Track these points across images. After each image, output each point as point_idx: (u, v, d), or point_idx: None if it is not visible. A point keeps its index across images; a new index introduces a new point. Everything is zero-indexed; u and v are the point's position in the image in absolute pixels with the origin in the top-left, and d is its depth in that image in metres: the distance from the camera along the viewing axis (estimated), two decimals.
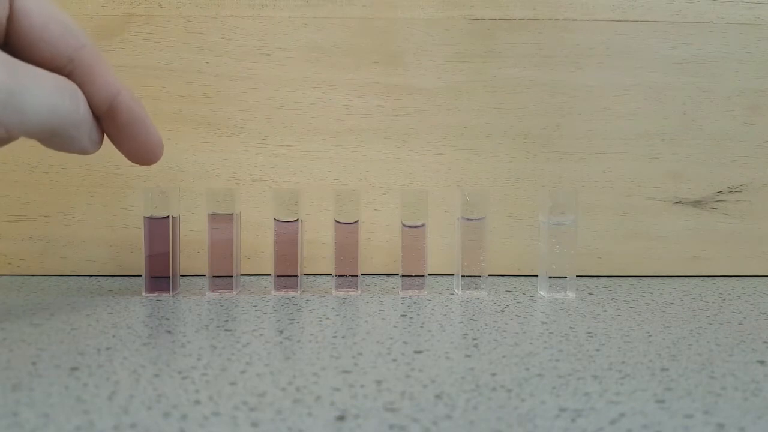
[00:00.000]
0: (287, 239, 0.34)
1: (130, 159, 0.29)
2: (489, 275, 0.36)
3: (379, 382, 0.20)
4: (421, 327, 0.28)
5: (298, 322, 0.28)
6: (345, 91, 0.40)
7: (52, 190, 0.39)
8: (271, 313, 0.30)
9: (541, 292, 0.35)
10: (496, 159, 0.40)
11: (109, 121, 0.27)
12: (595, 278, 0.40)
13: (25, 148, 0.38)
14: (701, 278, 0.41)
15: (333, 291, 0.35)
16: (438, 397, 0.19)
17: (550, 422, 0.17)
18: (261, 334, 0.26)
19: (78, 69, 0.26)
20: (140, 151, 0.28)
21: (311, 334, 0.26)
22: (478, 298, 0.34)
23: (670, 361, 0.23)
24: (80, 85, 0.25)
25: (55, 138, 0.25)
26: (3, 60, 0.23)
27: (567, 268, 0.34)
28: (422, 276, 0.34)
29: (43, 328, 0.27)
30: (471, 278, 0.34)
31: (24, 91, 0.23)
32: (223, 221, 0.34)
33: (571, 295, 0.34)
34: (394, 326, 0.28)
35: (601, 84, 0.40)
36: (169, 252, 0.33)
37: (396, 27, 0.40)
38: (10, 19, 0.24)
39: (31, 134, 0.24)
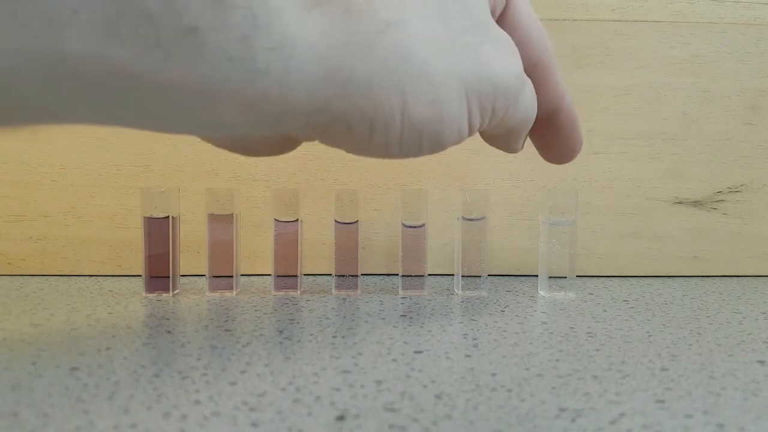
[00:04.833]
0: (287, 239, 0.34)
1: (548, 158, 0.28)
2: (489, 275, 0.36)
3: (379, 382, 0.20)
4: (421, 327, 0.28)
5: (298, 322, 0.28)
6: None
7: (52, 190, 0.39)
8: (271, 313, 0.30)
9: (541, 292, 0.35)
10: (496, 159, 0.40)
11: (548, 123, 0.27)
12: (595, 278, 0.40)
13: (25, 148, 0.38)
14: (701, 278, 0.41)
15: (333, 291, 0.34)
16: (438, 397, 0.19)
17: (550, 422, 0.17)
18: (261, 334, 0.26)
19: (540, 72, 0.25)
20: (566, 152, 0.28)
21: (311, 334, 0.26)
22: (478, 298, 0.34)
23: (670, 361, 0.23)
24: (536, 86, 0.25)
25: (509, 135, 0.25)
26: (517, 52, 0.23)
27: (567, 268, 0.34)
28: (422, 276, 0.34)
29: (43, 328, 0.27)
30: (471, 278, 0.34)
31: (526, 83, 0.23)
32: (222, 221, 0.34)
33: (571, 295, 0.34)
34: (394, 326, 0.28)
35: (601, 84, 0.40)
36: (169, 252, 0.33)
37: None
38: (504, 12, 0.24)
39: (512, 126, 0.24)
